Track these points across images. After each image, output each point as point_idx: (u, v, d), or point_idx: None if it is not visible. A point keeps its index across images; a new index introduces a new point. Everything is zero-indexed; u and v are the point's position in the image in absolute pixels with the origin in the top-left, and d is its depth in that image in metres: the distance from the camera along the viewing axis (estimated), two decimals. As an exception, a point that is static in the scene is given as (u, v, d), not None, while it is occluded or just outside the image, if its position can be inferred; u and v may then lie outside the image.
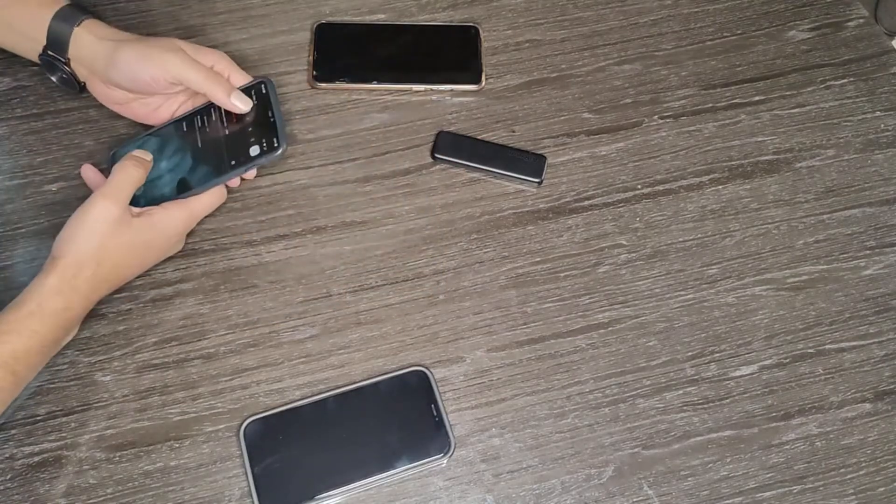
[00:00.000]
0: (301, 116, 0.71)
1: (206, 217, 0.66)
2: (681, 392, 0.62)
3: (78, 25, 0.63)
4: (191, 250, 0.65)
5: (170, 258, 0.64)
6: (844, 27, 0.78)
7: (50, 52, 0.64)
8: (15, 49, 0.67)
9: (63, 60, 0.64)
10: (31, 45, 0.64)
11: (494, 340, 0.63)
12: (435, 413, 0.59)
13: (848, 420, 0.62)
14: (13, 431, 0.58)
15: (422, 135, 0.71)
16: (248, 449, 0.58)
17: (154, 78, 0.61)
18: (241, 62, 0.72)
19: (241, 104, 0.63)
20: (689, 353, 0.64)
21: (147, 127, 0.66)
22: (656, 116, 0.73)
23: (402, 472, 0.57)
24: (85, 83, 0.66)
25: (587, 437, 0.60)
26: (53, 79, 0.67)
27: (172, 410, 0.59)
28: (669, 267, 0.67)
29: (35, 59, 0.65)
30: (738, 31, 0.78)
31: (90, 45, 0.63)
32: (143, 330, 0.62)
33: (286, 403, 0.60)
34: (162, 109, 0.66)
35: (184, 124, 0.64)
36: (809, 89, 0.75)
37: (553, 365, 0.62)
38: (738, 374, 0.63)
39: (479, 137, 0.71)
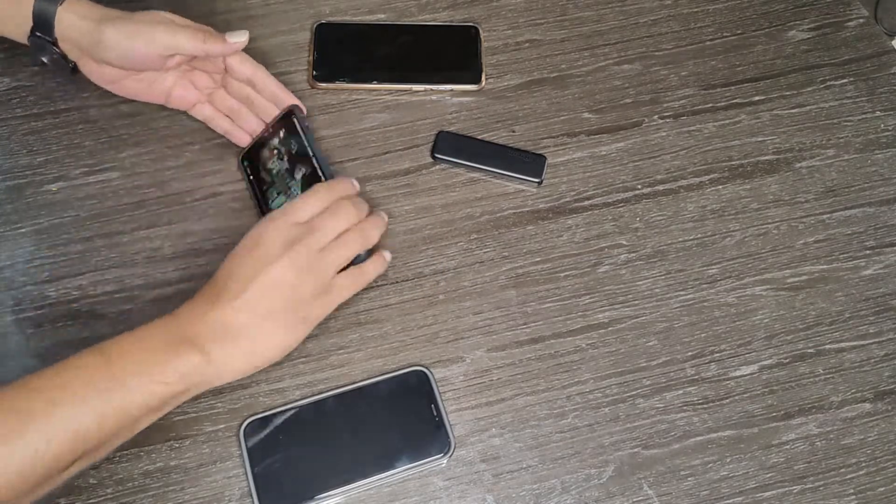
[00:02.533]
0: (301, 116, 0.71)
1: (205, 217, 0.66)
2: (681, 392, 0.62)
3: (60, 5, 0.62)
4: (191, 250, 0.65)
5: (170, 258, 0.64)
6: (844, 27, 0.78)
7: (38, 34, 0.63)
8: (3, 33, 0.66)
9: (51, 41, 0.63)
10: (18, 28, 0.64)
11: (494, 340, 0.63)
12: (435, 413, 0.59)
13: (848, 420, 0.62)
14: (13, 431, 0.58)
15: (422, 135, 0.71)
16: (247, 449, 0.58)
17: (145, 54, 0.61)
18: (241, 62, 0.72)
19: (239, 37, 0.63)
20: (689, 353, 0.64)
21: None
22: (656, 116, 0.73)
23: (402, 472, 0.57)
24: (76, 63, 0.65)
25: (587, 437, 0.60)
26: (44, 60, 0.65)
27: (172, 410, 0.59)
28: (669, 267, 0.67)
29: (25, 41, 0.64)
30: (738, 31, 0.78)
31: (75, 24, 0.62)
32: (143, 330, 0.62)
33: (286, 403, 0.60)
34: (156, 85, 0.66)
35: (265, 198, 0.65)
36: (809, 89, 0.75)
37: (553, 365, 0.62)
38: (738, 374, 0.63)
39: (479, 137, 0.71)
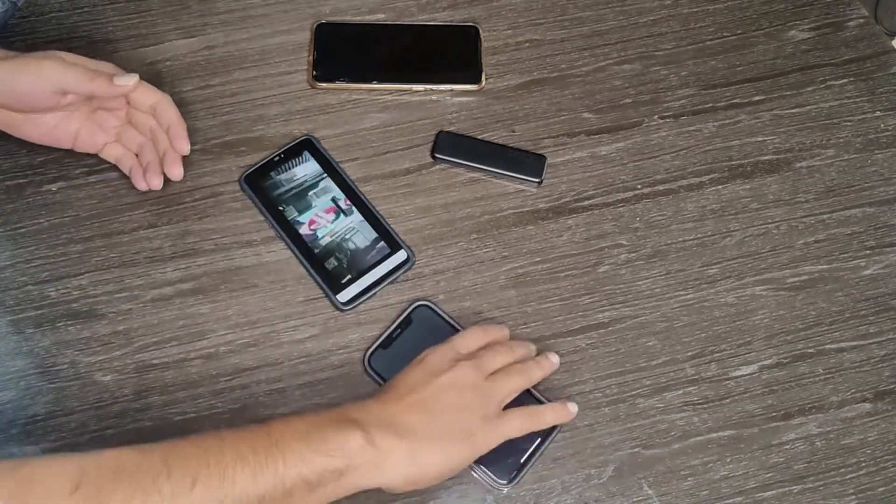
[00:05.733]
0: (301, 116, 0.71)
1: (205, 217, 0.66)
2: (681, 392, 0.62)
3: None
4: (191, 250, 0.65)
5: (171, 258, 0.64)
6: (844, 27, 0.78)
7: None
8: None
9: None
10: None
11: (494, 340, 0.63)
12: None
13: (848, 420, 0.62)
14: (13, 431, 0.58)
15: (422, 135, 0.71)
16: None
17: (31, 88, 0.58)
18: (241, 62, 0.72)
19: (126, 80, 0.60)
20: (689, 353, 0.64)
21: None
22: (656, 116, 0.73)
23: None
24: None
25: (587, 437, 0.60)
26: None
27: (172, 410, 0.59)
28: (669, 267, 0.67)
29: None
30: (738, 31, 0.78)
31: None
32: (143, 330, 0.62)
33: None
34: (60, 129, 0.63)
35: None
36: (809, 89, 0.75)
37: (553, 365, 0.63)
38: (738, 374, 0.63)
39: (479, 137, 0.71)
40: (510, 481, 0.58)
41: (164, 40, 0.73)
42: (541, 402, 0.59)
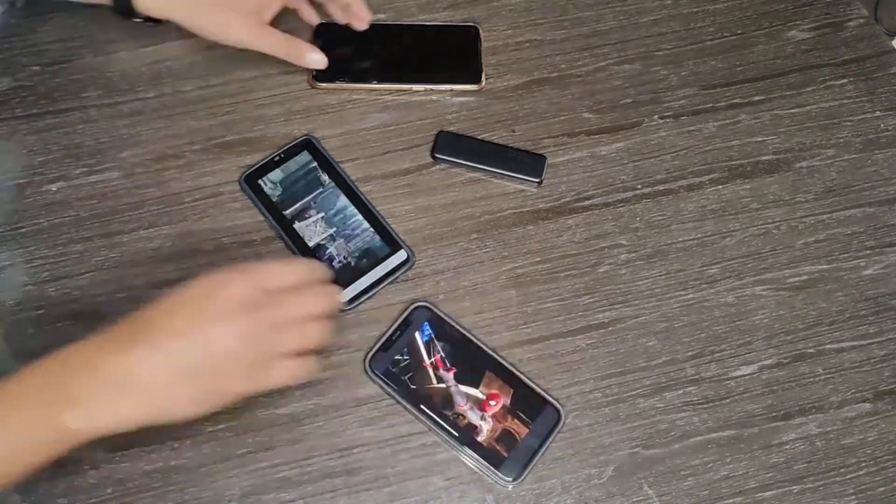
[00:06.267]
0: (301, 116, 0.71)
1: (205, 217, 0.66)
2: (681, 392, 0.62)
3: None
4: (191, 250, 0.65)
5: (170, 258, 0.64)
6: (844, 27, 0.78)
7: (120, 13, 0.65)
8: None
9: (140, 19, 0.66)
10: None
11: (494, 340, 0.63)
12: None
13: (848, 420, 0.62)
14: (13, 431, 0.58)
15: (422, 135, 0.71)
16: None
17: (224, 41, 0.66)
18: (242, 62, 0.72)
19: (319, 59, 0.68)
20: (689, 353, 0.64)
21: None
22: (656, 116, 0.73)
23: None
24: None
25: (587, 437, 0.60)
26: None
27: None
28: (669, 267, 0.67)
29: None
30: (738, 31, 0.78)
31: (155, 7, 0.64)
32: (143, 330, 0.62)
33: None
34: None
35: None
36: (809, 89, 0.75)
37: (553, 365, 0.62)
38: (738, 374, 0.63)
39: (479, 137, 0.71)
40: (516, 479, 0.58)
41: (164, 40, 0.73)
42: (538, 394, 0.60)
